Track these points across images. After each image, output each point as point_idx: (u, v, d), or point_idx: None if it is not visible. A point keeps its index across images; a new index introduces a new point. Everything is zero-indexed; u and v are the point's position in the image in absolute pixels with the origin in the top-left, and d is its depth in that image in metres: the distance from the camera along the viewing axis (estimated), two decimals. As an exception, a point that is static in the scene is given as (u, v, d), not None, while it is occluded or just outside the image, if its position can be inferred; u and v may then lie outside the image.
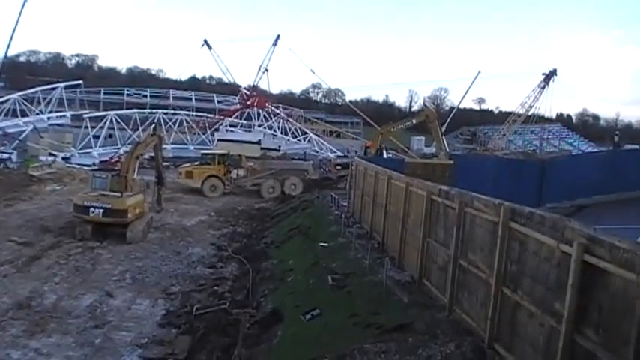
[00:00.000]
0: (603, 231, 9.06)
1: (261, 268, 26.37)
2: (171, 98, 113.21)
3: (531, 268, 10.76)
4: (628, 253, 8.03)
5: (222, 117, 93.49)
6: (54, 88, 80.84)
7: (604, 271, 8.45)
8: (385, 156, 67.89)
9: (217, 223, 39.89)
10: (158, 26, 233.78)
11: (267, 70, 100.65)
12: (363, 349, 12.67)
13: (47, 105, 78.29)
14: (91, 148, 71.43)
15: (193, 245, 32.30)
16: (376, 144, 73.55)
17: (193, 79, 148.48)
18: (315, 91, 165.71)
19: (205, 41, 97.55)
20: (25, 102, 76.25)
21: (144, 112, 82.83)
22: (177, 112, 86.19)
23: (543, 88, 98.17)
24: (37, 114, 75.46)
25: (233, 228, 38.48)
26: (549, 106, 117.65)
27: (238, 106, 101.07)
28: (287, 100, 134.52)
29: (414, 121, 77.33)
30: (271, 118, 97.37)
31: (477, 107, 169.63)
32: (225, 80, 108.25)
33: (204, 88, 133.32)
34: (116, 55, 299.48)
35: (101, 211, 31.12)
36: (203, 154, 56.96)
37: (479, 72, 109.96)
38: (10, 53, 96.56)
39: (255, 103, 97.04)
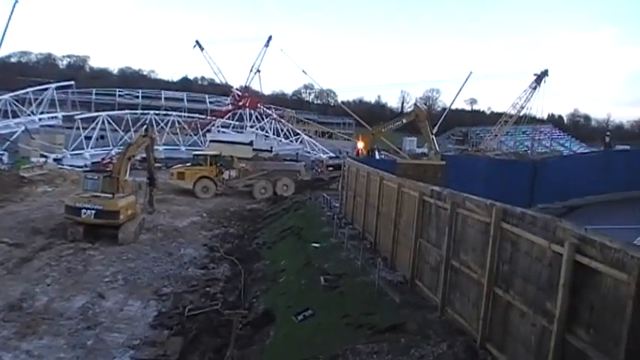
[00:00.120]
0: (594, 231, 9.09)
1: (253, 269, 26.37)
2: (163, 99, 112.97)
3: (523, 269, 10.79)
4: (619, 253, 8.06)
5: (214, 118, 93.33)
6: (45, 89, 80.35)
7: (595, 271, 8.49)
8: (377, 157, 67.96)
9: (209, 224, 39.83)
10: (150, 27, 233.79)
11: (259, 70, 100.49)
12: (356, 350, 12.68)
13: (38, 106, 77.80)
14: (83, 149, 71.13)
15: (185, 246, 32.24)
16: (367, 145, 73.61)
17: (185, 80, 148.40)
18: (307, 91, 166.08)
19: (197, 42, 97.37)
20: (16, 103, 75.79)
21: (136, 113, 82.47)
22: (169, 113, 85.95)
23: (535, 88, 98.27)
24: (29, 115, 74.99)
25: (225, 229, 38.43)
26: (541, 106, 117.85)
27: (230, 107, 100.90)
28: (279, 100, 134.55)
29: (404, 121, 77.28)
30: (263, 119, 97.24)
31: (468, 108, 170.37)
32: (217, 81, 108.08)
33: (196, 89, 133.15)
34: (108, 56, 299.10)
35: (93, 212, 31.03)
36: (195, 155, 56.85)
37: (470, 73, 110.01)
38: (1, 54, 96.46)
39: (247, 104, 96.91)
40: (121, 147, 47.69)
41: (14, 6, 77.13)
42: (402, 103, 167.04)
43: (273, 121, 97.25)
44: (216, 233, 36.70)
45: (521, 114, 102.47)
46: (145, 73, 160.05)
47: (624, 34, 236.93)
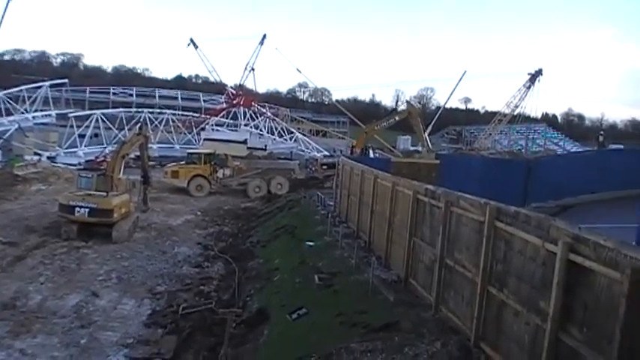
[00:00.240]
0: (588, 230, 9.11)
1: (247, 268, 26.38)
2: (157, 97, 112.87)
3: (517, 267, 10.81)
4: (612, 252, 8.08)
5: (208, 116, 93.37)
6: (39, 87, 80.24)
7: (589, 270, 8.50)
8: (372, 155, 68.05)
9: (203, 222, 39.83)
10: (144, 25, 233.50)
11: (253, 69, 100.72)
12: (350, 348, 12.68)
13: (32, 104, 77.71)
14: (77, 147, 70.94)
15: (179, 245, 32.24)
16: (361, 143, 73.81)
17: (179, 78, 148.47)
18: (302, 90, 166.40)
19: (191, 40, 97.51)
20: (10, 101, 75.63)
21: (130, 111, 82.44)
22: (163, 111, 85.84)
23: (529, 88, 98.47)
24: (22, 113, 74.87)
25: (219, 227, 38.44)
26: (535, 105, 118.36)
27: (224, 105, 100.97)
28: (273, 99, 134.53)
29: (397, 118, 77.64)
30: (257, 118, 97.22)
31: (463, 107, 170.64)
32: (212, 79, 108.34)
33: (191, 87, 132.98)
34: (102, 54, 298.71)
35: (87, 210, 30.99)
36: (189, 153, 56.87)
37: (465, 72, 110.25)
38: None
39: (241, 103, 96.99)
40: (115, 145, 47.56)
41: (8, 3, 76.94)
42: (397, 101, 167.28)
43: (268, 120, 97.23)
44: (210, 232, 36.70)
45: (515, 113, 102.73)
46: (139, 71, 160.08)
47: (618, 33, 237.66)
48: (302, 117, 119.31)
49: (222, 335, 17.54)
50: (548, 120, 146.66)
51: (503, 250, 11.40)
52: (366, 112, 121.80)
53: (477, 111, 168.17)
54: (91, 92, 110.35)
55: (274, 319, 17.98)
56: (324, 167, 61.56)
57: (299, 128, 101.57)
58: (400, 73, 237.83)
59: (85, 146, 71.40)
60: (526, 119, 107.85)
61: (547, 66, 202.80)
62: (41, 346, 17.88)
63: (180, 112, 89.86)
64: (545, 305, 9.47)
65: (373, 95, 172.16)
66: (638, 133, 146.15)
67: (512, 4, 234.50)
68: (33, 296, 22.09)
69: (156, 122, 79.23)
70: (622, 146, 78.74)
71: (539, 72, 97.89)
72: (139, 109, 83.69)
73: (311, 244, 25.52)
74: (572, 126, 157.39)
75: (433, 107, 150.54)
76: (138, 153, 38.36)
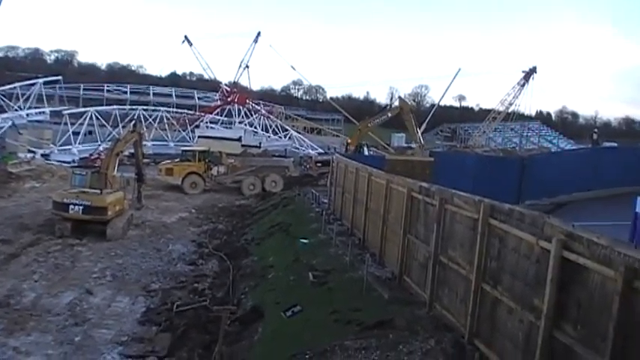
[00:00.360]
0: (582, 227, 9.13)
1: (241, 265, 26.37)
2: (151, 94, 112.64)
3: (511, 265, 10.83)
4: (606, 249, 8.10)
5: (202, 113, 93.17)
6: (33, 84, 79.79)
7: (583, 267, 8.53)
8: (366, 153, 68.08)
9: (198, 220, 39.80)
10: (139, 22, 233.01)
11: (247, 66, 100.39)
12: (344, 346, 12.70)
13: (26, 101, 77.27)
14: (71, 144, 70.71)
15: (174, 242, 32.20)
16: (355, 141, 73.85)
17: (174, 75, 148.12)
18: (296, 87, 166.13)
19: (186, 37, 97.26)
20: (4, 98, 75.25)
21: (124, 109, 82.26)
22: (158, 108, 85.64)
23: (523, 85, 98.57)
24: (16, 110, 74.57)
25: (213, 225, 38.41)
26: (529, 103, 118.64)
27: (219, 102, 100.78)
28: (268, 96, 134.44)
29: (390, 115, 77.74)
30: (252, 115, 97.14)
31: (457, 105, 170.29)
32: (206, 77, 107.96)
33: (185, 85, 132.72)
34: (96, 51, 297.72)
35: (81, 208, 30.95)
36: (183, 150, 56.88)
37: (459, 69, 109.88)
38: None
39: (235, 100, 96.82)
40: (109, 143, 47.49)
41: (0, 0, 76.63)
42: (391, 99, 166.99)
43: (262, 117, 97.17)
44: (204, 229, 36.65)
45: (509, 111, 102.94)
46: (133, 68, 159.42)
47: (613, 31, 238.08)
48: (296, 114, 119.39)
49: (217, 333, 17.55)
50: (543, 118, 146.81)
51: (497, 248, 11.43)
52: (360, 110, 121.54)
53: (472, 109, 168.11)
54: (85, 89, 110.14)
55: (269, 316, 17.98)
56: (319, 165, 61.66)
57: (293, 126, 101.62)
58: (395, 70, 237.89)
59: (79, 144, 71.22)
60: (520, 117, 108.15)
61: (541, 64, 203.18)
62: (35, 344, 17.84)
63: (174, 110, 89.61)
64: (539, 302, 9.49)
65: (368, 93, 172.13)
66: (631, 131, 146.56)
67: (506, 1, 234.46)
68: (27, 294, 22.04)
69: (150, 119, 79.06)
70: (616, 144, 78.94)
71: (533, 70, 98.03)
72: (134, 107, 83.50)
73: (305, 241, 25.52)
74: (566, 124, 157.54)
75: (427, 105, 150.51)
76: (132, 150, 38.32)
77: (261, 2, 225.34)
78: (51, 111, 79.04)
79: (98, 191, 31.95)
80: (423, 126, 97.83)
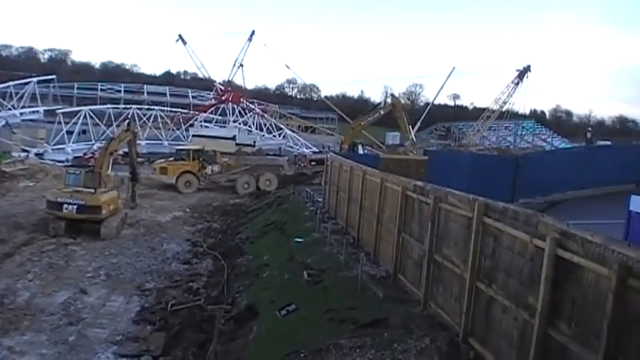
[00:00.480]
0: (576, 226, 9.15)
1: (236, 264, 26.37)
2: (145, 93, 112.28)
3: (505, 263, 10.85)
4: (600, 247, 8.13)
5: (196, 112, 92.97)
6: (26, 83, 79.44)
7: (577, 265, 8.55)
8: (361, 151, 68.09)
9: (192, 219, 39.78)
10: (132, 21, 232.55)
11: (242, 65, 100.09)
12: (339, 344, 12.71)
13: (19, 100, 76.92)
14: (65, 143, 70.49)
15: (168, 241, 32.19)
16: (349, 139, 73.84)
17: (168, 74, 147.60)
18: (290, 86, 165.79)
19: (180, 36, 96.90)
20: (-3, 97, 75.27)
21: (118, 108, 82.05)
22: (152, 107, 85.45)
23: (517, 84, 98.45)
24: (9, 109, 74.20)
25: (208, 224, 38.42)
26: (523, 102, 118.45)
27: (213, 101, 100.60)
28: (262, 95, 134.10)
29: (382, 112, 77.72)
30: (246, 114, 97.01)
31: (451, 103, 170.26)
32: (200, 75, 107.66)
33: (179, 84, 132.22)
34: (90, 50, 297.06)
35: (75, 207, 30.91)
36: (178, 149, 56.78)
37: (453, 68, 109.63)
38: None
39: (230, 99, 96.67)
40: (103, 142, 47.41)
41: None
42: (385, 98, 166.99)
43: (256, 116, 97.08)
44: (199, 228, 36.67)
45: (503, 109, 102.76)
46: (127, 67, 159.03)
47: (606, 30, 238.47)
48: (291, 113, 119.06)
49: (212, 332, 17.53)
50: (537, 116, 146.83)
51: (491, 246, 11.44)
52: (354, 109, 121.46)
53: (466, 107, 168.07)
54: (79, 88, 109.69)
55: (263, 315, 17.99)
56: (313, 163, 61.61)
57: (288, 124, 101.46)
58: (389, 69, 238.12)
59: (73, 143, 71.03)
60: (514, 116, 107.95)
61: (535, 62, 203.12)
62: (29, 344, 17.84)
63: (168, 109, 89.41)
64: (534, 301, 9.52)
65: (362, 92, 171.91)
66: (625, 129, 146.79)
67: (500, 0, 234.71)
68: (21, 293, 22.03)
69: (144, 118, 78.86)
70: (609, 142, 79.07)
71: (527, 68, 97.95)
72: (128, 106, 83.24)
73: (300, 240, 25.55)
74: (560, 122, 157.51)
75: (422, 103, 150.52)
76: (126, 149, 38.29)
77: (256, 1, 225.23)
78: (45, 110, 78.72)
79: (92, 190, 31.91)
80: (418, 125, 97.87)
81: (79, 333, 18.89)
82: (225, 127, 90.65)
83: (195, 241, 32.81)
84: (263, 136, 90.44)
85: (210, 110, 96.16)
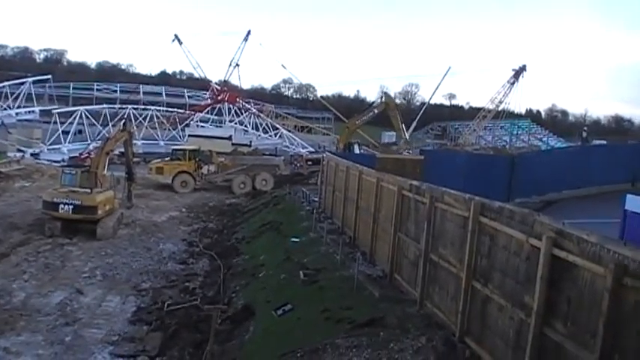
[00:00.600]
0: (572, 225, 9.17)
1: (232, 264, 26.38)
2: (141, 93, 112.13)
3: (501, 262, 10.85)
4: (596, 247, 8.13)
5: (192, 112, 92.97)
6: (22, 83, 79.50)
7: (573, 264, 8.55)
8: (357, 151, 68.14)
9: (188, 218, 39.76)
10: (128, 21, 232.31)
11: (238, 65, 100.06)
12: (335, 344, 12.72)
13: (15, 100, 77.03)
14: (61, 143, 70.58)
15: (164, 241, 32.16)
16: (344, 139, 73.92)
17: (163, 74, 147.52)
18: (287, 86, 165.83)
19: (176, 36, 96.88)
20: (-7, 97, 75.23)
21: (114, 108, 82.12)
22: (148, 107, 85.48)
23: (513, 84, 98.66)
24: (5, 109, 74.35)
25: (204, 224, 38.40)
26: (519, 101, 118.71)
27: (209, 101, 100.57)
28: (258, 95, 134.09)
29: (376, 111, 77.82)
30: (242, 114, 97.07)
31: (447, 103, 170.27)
32: (196, 75, 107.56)
33: (175, 83, 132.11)
34: (86, 50, 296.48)
35: (71, 207, 30.85)
36: (174, 149, 56.73)
37: (449, 68, 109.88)
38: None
39: (226, 99, 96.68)
40: (99, 141, 47.39)
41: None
42: (381, 97, 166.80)
43: (252, 116, 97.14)
44: (195, 228, 36.64)
45: (499, 109, 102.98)
46: (123, 67, 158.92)
47: (602, 29, 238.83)
48: (287, 113, 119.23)
49: (208, 332, 17.52)
50: (532, 116, 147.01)
51: (487, 245, 11.45)
52: (350, 108, 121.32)
53: (462, 107, 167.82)
54: (74, 88, 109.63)
55: (260, 315, 17.99)
56: (309, 163, 61.64)
57: (284, 124, 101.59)
58: (385, 69, 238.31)
59: (69, 143, 71.10)
60: (510, 115, 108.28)
61: (531, 62, 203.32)
62: (25, 344, 17.80)
63: (164, 109, 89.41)
64: (530, 300, 9.53)
65: (358, 91, 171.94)
66: (621, 128, 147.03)
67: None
68: (17, 294, 21.98)
69: (140, 118, 78.99)
70: (605, 142, 79.21)
71: (523, 68, 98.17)
72: (123, 106, 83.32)
73: (296, 240, 25.55)
74: (555, 122, 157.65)
75: (418, 103, 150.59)
76: (122, 149, 38.32)
77: (252, 1, 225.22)
78: (40, 110, 78.82)
79: (88, 190, 31.86)
80: (414, 124, 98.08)
81: (75, 333, 18.85)
82: (221, 127, 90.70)
83: (192, 241, 32.79)
84: (259, 135, 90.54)
85: (206, 110, 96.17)
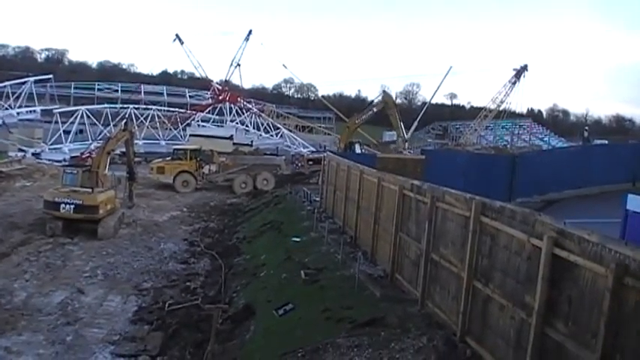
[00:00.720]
0: (573, 225, 9.16)
1: (233, 264, 26.38)
2: (142, 93, 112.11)
3: (502, 262, 10.85)
4: (597, 246, 8.13)
5: (194, 112, 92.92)
6: (23, 83, 79.36)
7: (574, 264, 8.55)
8: (358, 150, 68.13)
9: (189, 218, 39.75)
10: (129, 20, 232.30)
11: (239, 64, 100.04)
12: (336, 344, 12.73)
13: (16, 100, 76.87)
14: (62, 143, 70.54)
15: (165, 241, 32.15)
16: (345, 138, 73.95)
17: (165, 73, 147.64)
18: (288, 86, 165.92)
19: (177, 35, 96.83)
20: (-6, 97, 75.18)
21: (115, 107, 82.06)
22: (149, 107, 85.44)
23: (514, 83, 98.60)
24: (6, 109, 74.28)
25: (205, 223, 38.38)
26: (520, 101, 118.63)
27: (210, 101, 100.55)
28: (259, 94, 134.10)
29: (375, 110, 77.82)
30: (243, 113, 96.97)
31: (448, 102, 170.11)
32: (197, 75, 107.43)
33: (176, 83, 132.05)
34: (87, 50, 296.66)
35: (72, 207, 30.84)
36: (175, 149, 56.67)
37: (450, 67, 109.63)
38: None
39: (227, 98, 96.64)
40: (101, 141, 47.39)
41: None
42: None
43: (254, 116, 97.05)
44: (196, 228, 36.62)
45: (500, 109, 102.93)
46: (124, 66, 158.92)
47: (604, 29, 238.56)
48: (288, 113, 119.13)
49: (209, 331, 17.56)
50: (534, 115, 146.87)
51: (488, 245, 11.44)
52: (351, 108, 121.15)
53: (463, 107, 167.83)
54: (76, 88, 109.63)
55: (260, 314, 17.99)
56: (310, 163, 61.61)
57: (285, 124, 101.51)
58: (386, 68, 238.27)
59: (70, 142, 71.08)
60: (511, 115, 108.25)
61: (532, 61, 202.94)
62: (27, 344, 17.80)
63: (165, 108, 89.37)
64: (531, 299, 9.52)
65: (359, 91, 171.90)
66: (622, 128, 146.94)
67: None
68: (18, 293, 21.97)
69: (141, 118, 78.88)
70: (606, 142, 79.19)
71: (524, 68, 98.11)
72: (125, 105, 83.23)
73: (297, 239, 25.56)
74: (557, 121, 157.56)
75: (419, 103, 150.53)
76: (123, 149, 38.30)
77: (253, 1, 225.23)
78: (42, 110, 78.72)
79: (89, 190, 31.86)
80: (415, 124, 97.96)
81: (76, 333, 18.85)
82: (222, 126, 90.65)
83: (193, 240, 32.76)
84: (260, 135, 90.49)
85: (207, 110, 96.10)
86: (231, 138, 74.70)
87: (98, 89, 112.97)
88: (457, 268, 12.72)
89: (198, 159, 52.94)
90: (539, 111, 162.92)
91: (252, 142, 79.62)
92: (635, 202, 18.71)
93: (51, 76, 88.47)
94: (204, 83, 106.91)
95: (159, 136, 79.78)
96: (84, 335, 18.74)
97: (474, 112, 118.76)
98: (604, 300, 7.74)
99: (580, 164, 35.75)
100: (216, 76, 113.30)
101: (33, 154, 64.59)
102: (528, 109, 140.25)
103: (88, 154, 56.97)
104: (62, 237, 30.26)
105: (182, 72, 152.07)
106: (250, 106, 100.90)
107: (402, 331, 12.81)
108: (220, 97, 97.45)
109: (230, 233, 34.48)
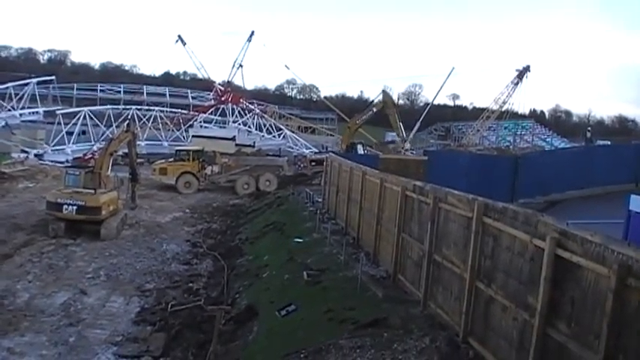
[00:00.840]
0: (576, 226, 9.15)
1: (236, 265, 26.38)
2: (145, 94, 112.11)
3: (505, 263, 10.84)
4: (600, 247, 8.12)
5: (196, 113, 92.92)
6: (26, 84, 79.45)
7: (576, 265, 8.54)
8: (361, 151, 68.07)
9: (192, 219, 39.79)
10: (132, 21, 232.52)
11: (241, 65, 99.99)
12: (339, 345, 12.72)
13: (19, 101, 76.95)
14: (64, 144, 70.55)
15: (168, 242, 32.18)
16: (347, 139, 73.93)
17: (167, 74, 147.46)
18: (290, 87, 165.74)
19: (179, 37, 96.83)
20: (-3, 98, 75.26)
21: (117, 108, 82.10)
22: (151, 108, 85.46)
23: (517, 84, 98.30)
24: (9, 110, 74.33)
25: (208, 224, 38.42)
26: (523, 102, 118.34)
27: (213, 102, 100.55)
28: (261, 96, 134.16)
29: (375, 110, 77.77)
30: (246, 114, 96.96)
31: (451, 103, 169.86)
32: (200, 76, 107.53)
33: (179, 84, 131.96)
34: (89, 51, 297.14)
35: (74, 208, 30.89)
36: (177, 150, 56.76)
37: (453, 68, 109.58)
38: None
39: (229, 99, 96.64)
40: (103, 142, 47.42)
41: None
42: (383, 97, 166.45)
43: (256, 117, 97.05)
44: (198, 229, 36.66)
45: (503, 109, 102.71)
46: (126, 67, 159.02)
47: (606, 29, 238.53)
48: (290, 114, 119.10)
49: (212, 332, 17.55)
50: (536, 116, 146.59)
51: (491, 246, 11.44)
52: (354, 109, 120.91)
53: (465, 107, 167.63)
54: (78, 89, 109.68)
55: (263, 315, 17.98)
56: (313, 164, 61.61)
57: (287, 125, 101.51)
58: (388, 69, 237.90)
59: (73, 143, 71.11)
60: (514, 115, 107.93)
61: (535, 62, 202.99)
62: (29, 345, 17.84)
63: (168, 109, 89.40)
64: (533, 300, 9.51)
65: (361, 92, 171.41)
66: (625, 129, 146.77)
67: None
68: (21, 294, 22.02)
69: (144, 119, 78.88)
70: (609, 142, 79.09)
71: (527, 68, 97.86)
72: (127, 106, 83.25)
73: (299, 240, 25.56)
74: (559, 122, 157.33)
75: (421, 103, 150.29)
76: (126, 150, 38.30)
77: (256, 1, 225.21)
78: (44, 111, 78.82)
79: (92, 191, 31.91)
80: (417, 125, 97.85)
81: (78, 334, 18.89)
82: (224, 127, 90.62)
83: (195, 241, 32.80)
84: (263, 136, 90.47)
85: (209, 111, 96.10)
86: (233, 139, 74.59)
87: (101, 90, 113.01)
88: (460, 268, 12.72)
89: (201, 160, 53.04)
90: (542, 112, 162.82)
91: (254, 143, 79.52)
92: (638, 202, 18.69)
93: (53, 77, 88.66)
94: (206, 84, 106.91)
95: (161, 137, 79.79)
96: (86, 336, 18.77)
97: (477, 113, 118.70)
98: (607, 301, 7.74)
99: (583, 165, 35.66)
100: (218, 77, 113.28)
101: (35, 155, 64.63)
102: (531, 110, 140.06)
103: (90, 156, 56.94)
104: (65, 238, 30.34)
105: (184, 73, 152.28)
106: (253, 107, 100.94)
107: (404, 332, 12.81)
108: (223, 98, 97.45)
109: (232, 234, 34.49)
